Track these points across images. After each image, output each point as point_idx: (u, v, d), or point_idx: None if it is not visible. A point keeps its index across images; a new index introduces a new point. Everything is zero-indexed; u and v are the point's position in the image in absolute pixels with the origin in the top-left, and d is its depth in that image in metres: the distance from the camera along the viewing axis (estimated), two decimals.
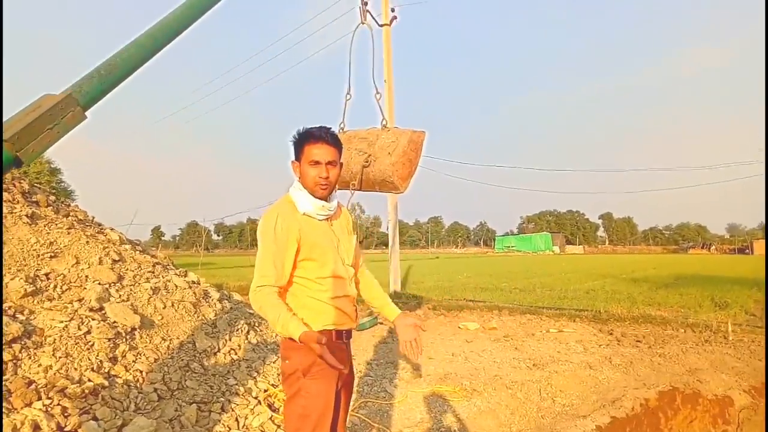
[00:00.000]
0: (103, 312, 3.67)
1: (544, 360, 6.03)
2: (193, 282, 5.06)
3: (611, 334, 7.93)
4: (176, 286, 4.63)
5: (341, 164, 2.24)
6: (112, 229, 5.66)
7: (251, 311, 5.63)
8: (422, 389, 4.83)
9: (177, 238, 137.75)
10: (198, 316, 4.40)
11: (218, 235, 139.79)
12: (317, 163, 2.09)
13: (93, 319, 3.49)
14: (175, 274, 5.01)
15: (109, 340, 3.40)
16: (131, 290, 4.22)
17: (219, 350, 4.11)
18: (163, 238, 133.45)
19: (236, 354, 4.21)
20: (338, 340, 2.14)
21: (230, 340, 4.33)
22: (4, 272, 3.65)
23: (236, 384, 3.79)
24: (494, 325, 8.09)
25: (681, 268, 29.15)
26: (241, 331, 4.60)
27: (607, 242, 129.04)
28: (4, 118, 1.50)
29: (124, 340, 3.54)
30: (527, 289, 15.73)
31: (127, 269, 4.57)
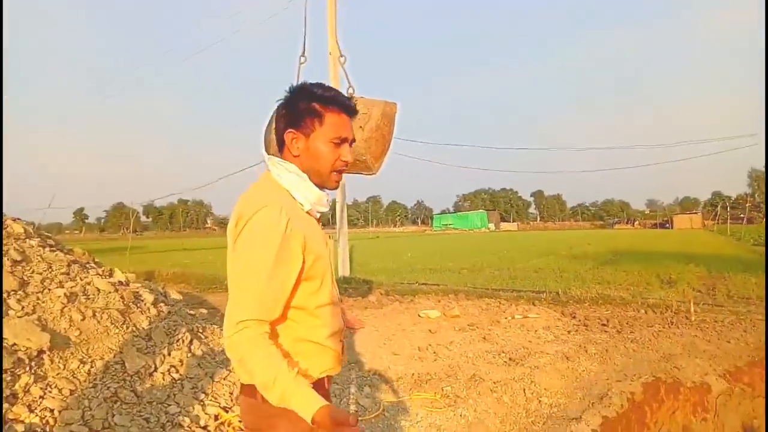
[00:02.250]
0: None
1: (519, 353, 5.62)
2: (120, 283, 4.18)
3: (574, 317, 7.70)
4: (98, 290, 3.77)
5: None
6: (15, 220, 4.65)
7: (192, 313, 4.83)
8: (398, 398, 4.24)
9: (102, 220, 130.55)
10: (127, 327, 3.57)
11: (147, 217, 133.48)
12: (344, 140, 1.49)
13: None
14: (97, 274, 4.11)
15: (6, 371, 2.56)
16: (38, 299, 3.35)
17: (156, 369, 3.32)
18: (86, 221, 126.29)
19: (177, 372, 3.44)
20: (328, 387, 1.58)
21: (169, 354, 3.55)
22: None
23: (179, 412, 3.05)
24: (457, 313, 7.64)
25: (614, 243, 30.24)
26: (183, 341, 3.81)
27: (538, 219, 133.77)
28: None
29: (27, 368, 2.72)
30: (475, 268, 15.59)
31: (33, 272, 3.66)
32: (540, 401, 4.39)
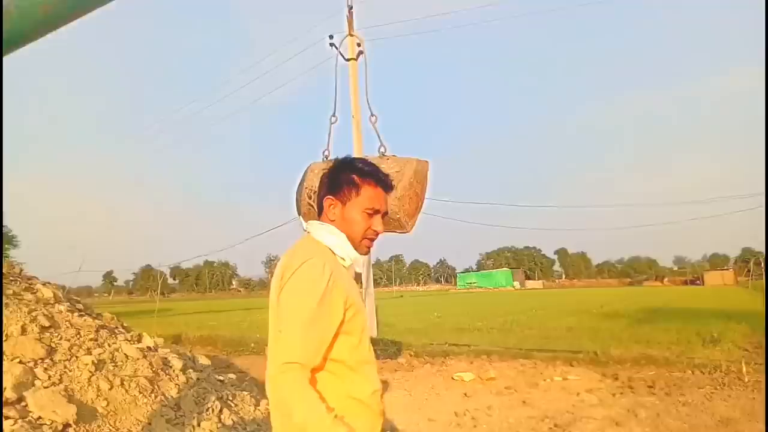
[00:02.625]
0: (24, 405, 2.68)
1: (563, 418, 5.27)
2: (149, 348, 4.05)
3: (617, 378, 7.29)
4: (127, 357, 3.64)
5: None
6: (45, 284, 4.61)
7: (221, 378, 4.65)
8: None
9: (131, 283, 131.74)
10: (156, 396, 3.42)
11: (174, 279, 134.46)
12: (376, 212, 1.62)
13: (7, 418, 2.50)
14: (126, 340, 3.99)
15: None
16: (65, 368, 3.23)
17: None
18: (115, 284, 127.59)
19: None
20: None
21: (199, 425, 3.36)
22: None
23: None
24: (492, 375, 7.29)
25: (646, 301, 29.29)
26: (212, 410, 3.62)
27: (563, 276, 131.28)
28: None
29: None
30: (505, 328, 15.12)
31: (61, 338, 3.56)
32: None
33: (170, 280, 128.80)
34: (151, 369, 3.73)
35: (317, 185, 2.77)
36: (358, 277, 1.71)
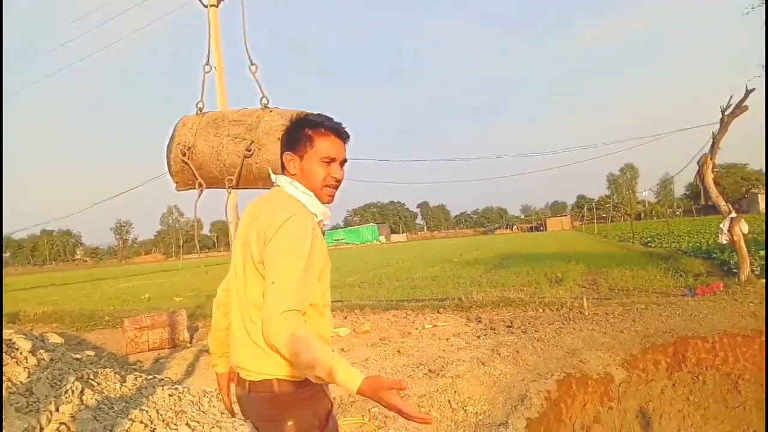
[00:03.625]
0: None
1: (436, 363, 5.57)
2: None
3: (480, 321, 7.88)
4: None
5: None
6: None
7: (78, 357, 4.20)
8: None
9: None
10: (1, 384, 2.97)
11: (5, 252, 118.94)
12: (332, 160, 1.71)
13: None
14: None
15: None
16: None
17: (42, 430, 2.78)
18: None
19: (69, 430, 2.91)
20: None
21: (57, 410, 2.99)
22: None
23: None
24: (367, 328, 7.48)
25: (499, 248, 31.93)
26: (72, 392, 3.25)
27: (425, 229, 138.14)
28: None
29: None
30: (375, 281, 15.61)
31: None
32: (465, 410, 4.35)
33: None
34: None
35: (192, 140, 2.54)
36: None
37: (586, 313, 7.60)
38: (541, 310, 8.28)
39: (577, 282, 11.79)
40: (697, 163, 9.65)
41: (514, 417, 4.26)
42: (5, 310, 13.62)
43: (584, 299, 7.93)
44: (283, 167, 1.75)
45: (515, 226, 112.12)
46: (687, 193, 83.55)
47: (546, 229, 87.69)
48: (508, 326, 7.30)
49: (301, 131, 1.71)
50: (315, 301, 1.62)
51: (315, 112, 2.80)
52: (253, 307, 1.60)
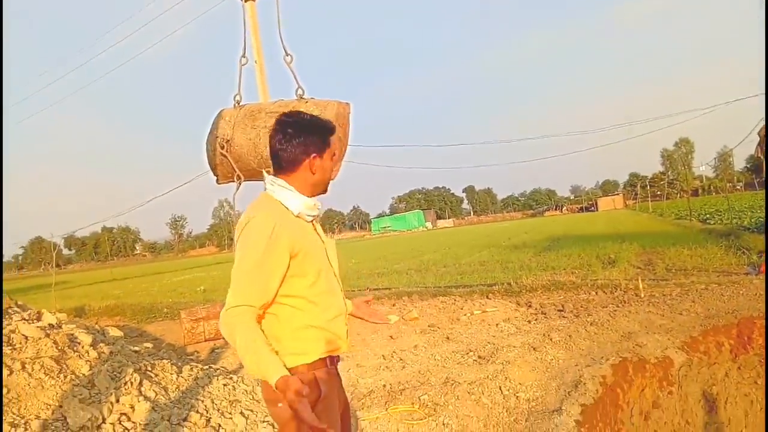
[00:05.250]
0: None
1: (486, 349, 5.51)
2: (51, 326, 3.68)
3: (530, 306, 7.73)
4: (26, 338, 3.28)
5: None
6: None
7: (136, 349, 4.37)
8: (374, 414, 3.98)
9: (20, 258, 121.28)
10: (65, 377, 3.12)
11: (70, 249, 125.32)
12: (333, 155, 1.91)
13: None
14: (22, 319, 3.60)
15: None
16: None
17: (104, 421, 2.91)
18: (2, 260, 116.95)
19: (129, 420, 3.03)
20: (331, 367, 1.87)
21: (117, 401, 3.13)
22: None
23: None
24: (415, 315, 7.47)
25: (549, 230, 31.28)
26: (131, 383, 3.38)
27: (472, 213, 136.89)
28: None
29: None
30: (422, 268, 15.55)
31: None
32: (518, 397, 4.28)
33: (65, 251, 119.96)
34: (57, 348, 3.40)
35: (231, 133, 2.57)
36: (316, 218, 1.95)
37: (642, 295, 7.34)
38: (593, 293, 8.04)
39: (632, 263, 11.39)
40: (758, 134, 9.10)
41: (568, 403, 4.16)
42: (72, 304, 14.41)
43: (639, 280, 7.65)
44: (293, 166, 1.83)
45: (565, 207, 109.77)
46: (748, 166, 79.31)
47: (597, 210, 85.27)
48: (560, 310, 7.13)
49: (324, 134, 1.85)
50: (302, 294, 1.76)
51: (345, 101, 2.80)
52: None
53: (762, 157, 9.06)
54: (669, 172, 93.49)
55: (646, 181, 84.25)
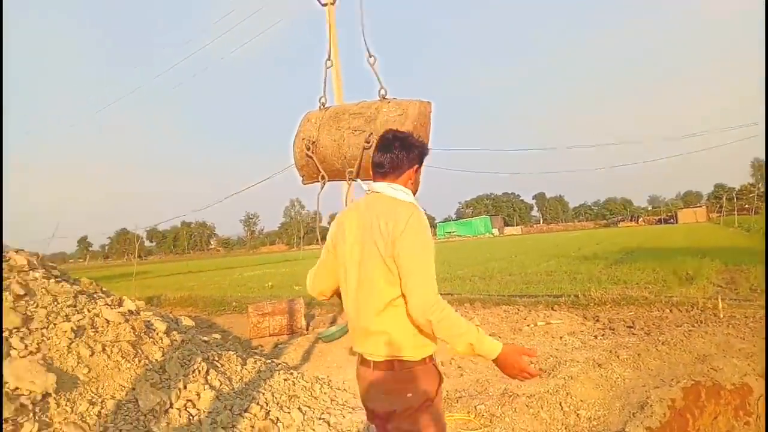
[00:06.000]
0: None
1: (548, 362, 5.37)
2: (131, 312, 3.95)
3: (598, 320, 7.45)
4: (108, 322, 3.54)
5: None
6: (18, 251, 4.43)
7: (205, 339, 4.60)
8: None
9: (106, 248, 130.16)
10: (140, 361, 3.35)
11: (151, 242, 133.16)
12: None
13: None
14: (106, 304, 3.88)
15: (7, 420, 2.34)
16: (43, 336, 3.13)
17: (171, 406, 3.10)
18: (90, 249, 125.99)
19: (195, 407, 3.21)
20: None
21: (185, 388, 3.32)
22: None
23: None
24: (476, 323, 7.37)
25: (622, 241, 29.93)
26: (199, 371, 3.57)
27: (541, 221, 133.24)
28: None
29: (30, 415, 2.49)
30: (486, 275, 15.29)
31: (38, 306, 3.44)
32: (578, 415, 4.14)
33: (147, 243, 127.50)
34: (134, 333, 3.64)
35: (316, 135, 2.67)
36: None
37: (721, 316, 6.91)
38: (668, 310, 7.65)
39: (712, 280, 10.70)
40: None
41: (632, 425, 3.98)
42: (150, 293, 15.28)
43: (719, 300, 7.20)
44: (401, 174, 2.01)
45: (641, 219, 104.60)
46: None
47: (677, 222, 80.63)
48: (629, 327, 6.83)
49: (424, 151, 2.09)
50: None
51: (427, 100, 2.83)
52: (381, 299, 1.85)
53: None
54: (759, 185, 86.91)
55: (733, 193, 78.92)
